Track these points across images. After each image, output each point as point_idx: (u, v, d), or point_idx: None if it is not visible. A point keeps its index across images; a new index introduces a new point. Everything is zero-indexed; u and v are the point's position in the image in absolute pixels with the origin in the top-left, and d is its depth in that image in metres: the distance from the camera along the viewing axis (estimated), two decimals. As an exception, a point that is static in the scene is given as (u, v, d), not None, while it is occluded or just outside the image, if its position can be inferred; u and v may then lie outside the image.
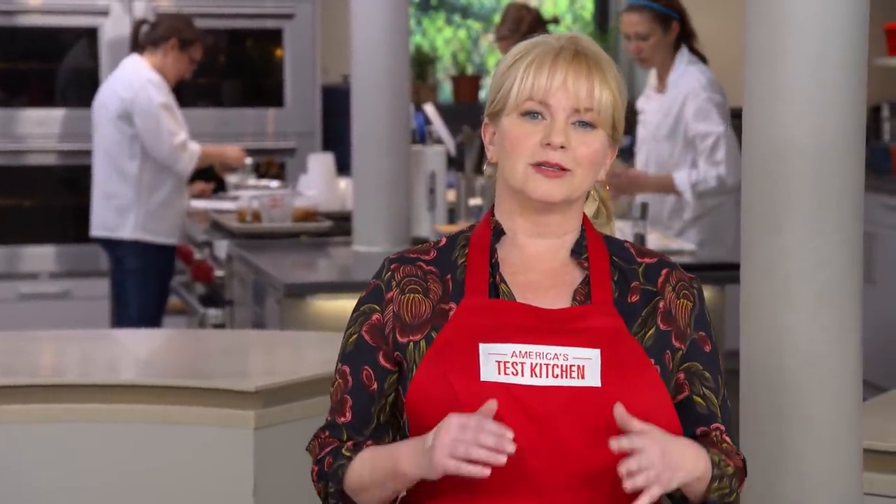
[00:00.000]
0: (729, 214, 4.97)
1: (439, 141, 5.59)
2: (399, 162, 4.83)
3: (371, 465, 2.00)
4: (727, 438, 2.06)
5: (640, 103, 5.10)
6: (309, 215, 5.47)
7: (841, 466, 2.45)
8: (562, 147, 1.99)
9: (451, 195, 5.29)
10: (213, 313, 5.38)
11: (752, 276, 2.46)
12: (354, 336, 2.06)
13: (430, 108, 5.75)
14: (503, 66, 2.04)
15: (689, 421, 2.03)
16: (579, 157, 2.00)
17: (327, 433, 2.08)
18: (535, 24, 5.84)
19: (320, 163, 5.99)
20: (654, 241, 4.69)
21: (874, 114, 7.41)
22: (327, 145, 7.00)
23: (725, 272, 4.52)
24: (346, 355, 2.07)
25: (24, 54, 6.89)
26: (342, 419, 2.06)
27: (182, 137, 5.68)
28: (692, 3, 7.18)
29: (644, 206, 4.60)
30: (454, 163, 5.60)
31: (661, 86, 4.96)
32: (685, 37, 4.90)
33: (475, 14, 8.20)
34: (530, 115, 2.00)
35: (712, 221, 4.99)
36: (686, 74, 4.86)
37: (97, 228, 5.81)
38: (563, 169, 1.99)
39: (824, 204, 2.41)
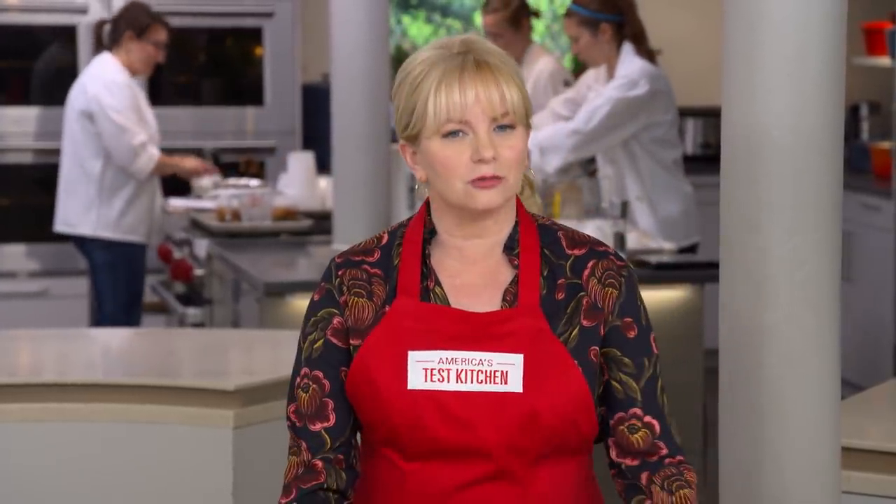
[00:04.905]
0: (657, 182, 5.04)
1: (419, 140, 5.58)
2: (379, 160, 4.82)
3: None
4: (650, 421, 2.07)
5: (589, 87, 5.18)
6: (289, 214, 5.46)
7: (819, 465, 2.45)
8: (493, 158, 2.02)
9: (431, 194, 5.28)
10: (193, 312, 5.37)
11: (731, 274, 2.47)
12: (320, 341, 2.08)
13: (409, 107, 5.74)
14: (407, 86, 2.04)
15: (609, 405, 2.08)
16: (508, 161, 2.03)
17: (304, 444, 2.08)
18: (522, 6, 5.87)
19: (300, 162, 5.98)
20: (633, 240, 4.69)
21: (853, 113, 7.43)
22: (307, 144, 6.98)
23: (704, 271, 4.53)
24: (314, 360, 2.09)
25: (2, 52, 6.86)
26: (323, 424, 2.08)
27: (142, 138, 5.69)
28: (671, 3, 7.16)
29: (624, 205, 4.61)
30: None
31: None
32: (631, 37, 4.98)
33: (455, 13, 8.21)
34: (452, 134, 2.02)
35: (649, 198, 5.04)
36: (629, 65, 4.96)
37: (60, 224, 5.85)
38: (498, 178, 2.02)
39: (803, 203, 2.41)
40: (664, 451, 2.08)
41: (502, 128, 2.03)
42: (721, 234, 2.50)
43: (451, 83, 2.01)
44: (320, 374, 2.08)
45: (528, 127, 2.07)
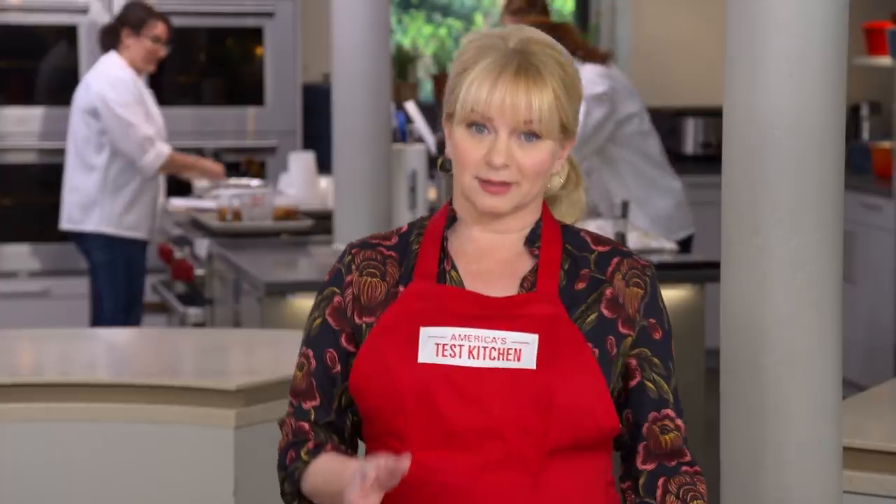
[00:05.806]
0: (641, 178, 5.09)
1: (420, 139, 5.59)
2: (380, 160, 4.83)
3: (325, 478, 2.04)
4: (680, 424, 2.08)
5: None
6: (289, 214, 5.46)
7: (821, 464, 2.45)
8: (504, 165, 2.01)
9: (432, 193, 5.29)
10: (194, 312, 5.37)
11: (732, 275, 2.47)
12: (319, 320, 2.10)
13: (411, 107, 5.75)
14: (456, 67, 2.05)
15: (643, 405, 2.07)
16: (524, 169, 2.02)
17: (294, 418, 2.11)
18: (544, 9, 5.89)
19: (301, 161, 5.99)
20: (634, 240, 4.70)
21: (853, 113, 7.43)
22: (308, 144, 6.99)
23: (705, 271, 4.53)
24: (310, 339, 2.11)
25: (3, 52, 6.87)
26: (310, 403, 2.10)
27: (149, 132, 5.69)
28: (671, 3, 7.15)
29: (625, 205, 4.61)
30: (435, 161, 5.60)
31: None
32: (574, 51, 5.06)
33: (455, 13, 8.21)
34: (476, 126, 2.02)
35: (637, 198, 5.07)
36: (581, 71, 5.03)
37: (65, 221, 5.87)
38: (508, 184, 2.02)
39: (804, 203, 2.41)
40: (687, 458, 2.08)
41: (528, 136, 2.02)
42: (722, 234, 2.50)
43: (485, 80, 2.00)
44: (311, 353, 2.10)
45: (564, 136, 2.05)
